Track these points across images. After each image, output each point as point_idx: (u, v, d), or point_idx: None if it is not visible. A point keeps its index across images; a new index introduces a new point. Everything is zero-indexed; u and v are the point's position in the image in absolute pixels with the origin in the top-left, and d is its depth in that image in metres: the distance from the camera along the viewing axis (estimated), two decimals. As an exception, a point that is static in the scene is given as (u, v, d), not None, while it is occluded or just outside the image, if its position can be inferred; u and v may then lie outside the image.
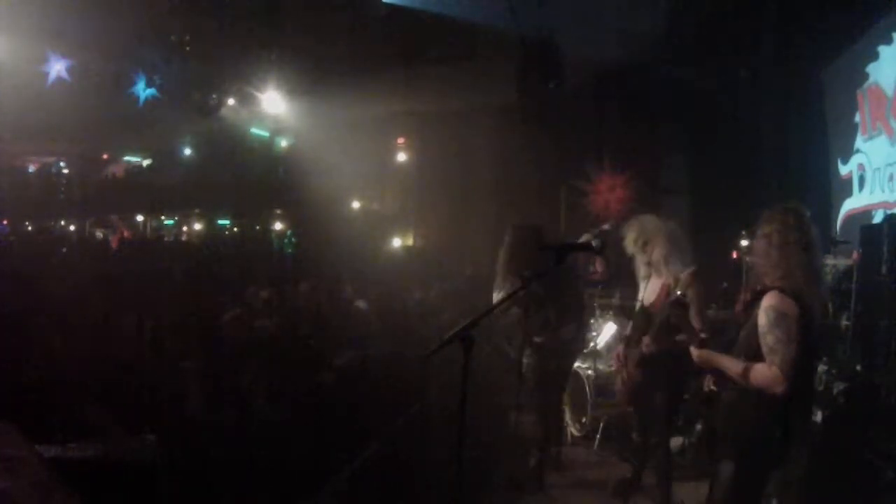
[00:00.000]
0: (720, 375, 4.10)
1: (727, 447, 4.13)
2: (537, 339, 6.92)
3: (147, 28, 12.89)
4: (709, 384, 4.34)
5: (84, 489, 3.44)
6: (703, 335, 4.20)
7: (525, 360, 6.96)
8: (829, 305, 7.34)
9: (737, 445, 4.03)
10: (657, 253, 5.82)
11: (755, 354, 3.84)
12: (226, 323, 7.80)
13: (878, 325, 6.52)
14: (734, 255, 9.18)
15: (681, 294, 4.94)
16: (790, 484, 5.30)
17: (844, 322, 6.81)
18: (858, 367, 6.40)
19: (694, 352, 4.13)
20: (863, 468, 5.55)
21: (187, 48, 13.15)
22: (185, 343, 7.31)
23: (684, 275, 5.38)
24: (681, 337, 5.59)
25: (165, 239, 25.45)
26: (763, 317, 3.81)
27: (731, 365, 3.93)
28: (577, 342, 7.54)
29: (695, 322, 5.39)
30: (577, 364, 8.16)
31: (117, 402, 5.59)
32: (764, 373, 3.75)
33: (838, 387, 6.18)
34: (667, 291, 5.61)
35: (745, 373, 3.82)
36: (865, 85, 9.67)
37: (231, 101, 15.59)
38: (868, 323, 6.75)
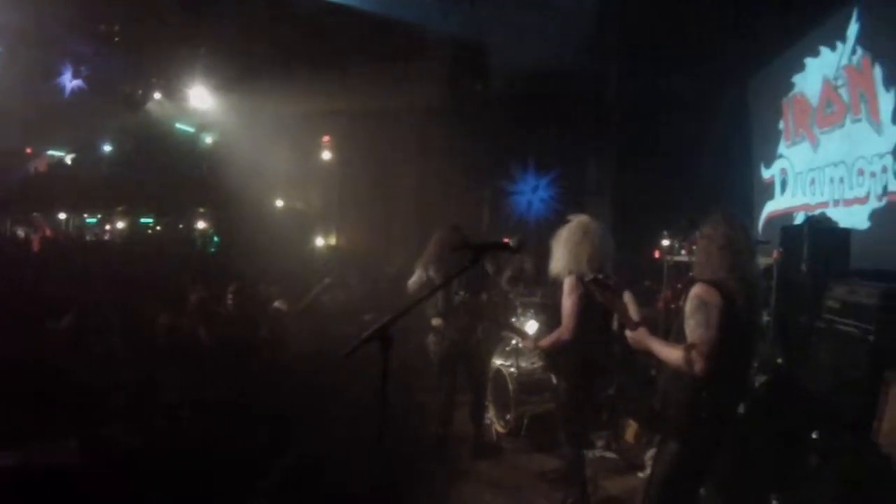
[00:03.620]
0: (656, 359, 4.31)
1: (665, 428, 4.32)
2: (434, 322, 7.38)
3: (77, 16, 12.52)
4: (653, 368, 4.54)
5: (4, 497, 3.37)
6: (637, 321, 4.42)
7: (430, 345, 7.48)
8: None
9: (672, 427, 4.22)
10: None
11: (684, 339, 4.02)
12: (160, 326, 7.71)
13: (798, 321, 6.70)
14: (656, 254, 9.33)
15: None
16: (714, 472, 5.41)
17: (765, 318, 6.96)
18: (779, 360, 6.56)
19: (629, 334, 4.32)
20: (785, 455, 5.70)
21: (116, 38, 12.81)
22: (113, 347, 7.19)
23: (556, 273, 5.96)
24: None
25: (88, 238, 24.85)
26: (688, 304, 4.07)
27: (658, 346, 4.17)
28: (480, 340, 7.81)
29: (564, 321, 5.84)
30: (499, 362, 8.25)
31: (42, 408, 5.48)
32: (683, 353, 3.95)
33: (760, 379, 6.32)
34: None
35: (669, 353, 4.06)
36: (791, 94, 9.94)
37: (157, 95, 15.28)
38: (788, 318, 6.93)
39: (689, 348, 3.92)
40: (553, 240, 6.05)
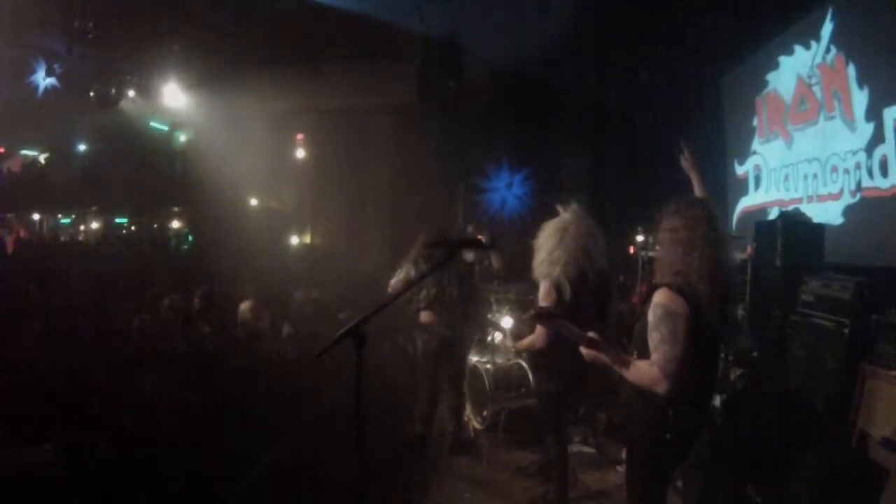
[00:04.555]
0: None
1: (629, 444, 4.20)
2: (424, 317, 7.46)
3: (51, 12, 12.29)
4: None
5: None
6: (591, 335, 3.92)
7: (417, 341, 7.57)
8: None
9: (633, 439, 4.09)
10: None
11: (646, 349, 3.80)
12: (134, 329, 7.67)
13: (773, 314, 6.77)
14: (631, 249, 9.41)
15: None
16: (693, 464, 5.46)
17: (741, 312, 7.02)
18: (755, 354, 6.63)
19: (584, 351, 3.97)
20: (761, 447, 5.76)
21: (90, 36, 12.60)
22: (87, 349, 7.14)
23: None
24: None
25: (62, 239, 24.63)
26: (651, 313, 3.77)
27: (618, 363, 3.85)
28: (467, 334, 7.94)
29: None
30: (475, 359, 8.30)
31: (16, 411, 5.45)
32: (645, 371, 3.71)
33: (735, 372, 6.39)
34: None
35: (630, 371, 3.79)
36: (764, 92, 10.03)
37: (131, 93, 15.08)
38: (762, 312, 7.00)
39: (652, 367, 3.68)
40: (537, 238, 5.99)
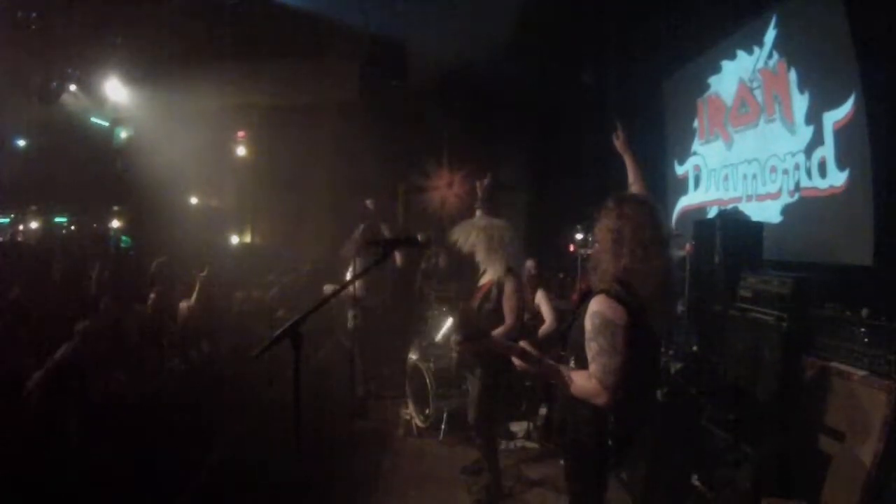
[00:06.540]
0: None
1: (567, 449, 3.93)
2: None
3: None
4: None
5: None
6: (523, 345, 3.62)
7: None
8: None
9: (571, 443, 3.82)
10: (480, 253, 6.06)
11: (582, 355, 3.53)
12: (77, 332, 7.50)
13: (712, 309, 6.85)
14: (571, 247, 9.45)
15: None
16: (637, 457, 5.49)
17: (680, 308, 7.09)
18: (694, 348, 6.69)
19: (516, 362, 3.64)
20: (702, 436, 5.82)
21: (33, 27, 12.18)
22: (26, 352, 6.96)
23: (499, 275, 5.91)
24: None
25: (0, 239, 23.95)
26: (589, 322, 3.47)
27: (554, 375, 3.61)
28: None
29: (507, 319, 5.84)
30: (416, 357, 8.35)
31: None
32: (585, 383, 3.44)
33: (676, 366, 6.44)
34: (486, 290, 5.99)
35: (569, 383, 3.52)
36: (706, 94, 10.21)
37: (73, 87, 14.69)
38: (701, 308, 7.08)
39: (591, 379, 3.41)
40: (473, 241, 6.07)
